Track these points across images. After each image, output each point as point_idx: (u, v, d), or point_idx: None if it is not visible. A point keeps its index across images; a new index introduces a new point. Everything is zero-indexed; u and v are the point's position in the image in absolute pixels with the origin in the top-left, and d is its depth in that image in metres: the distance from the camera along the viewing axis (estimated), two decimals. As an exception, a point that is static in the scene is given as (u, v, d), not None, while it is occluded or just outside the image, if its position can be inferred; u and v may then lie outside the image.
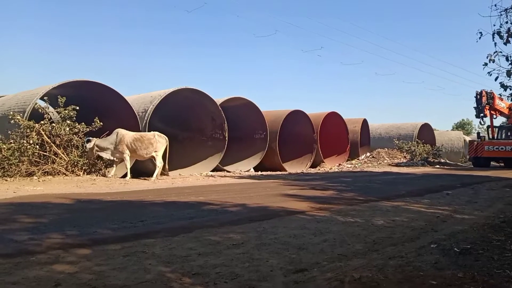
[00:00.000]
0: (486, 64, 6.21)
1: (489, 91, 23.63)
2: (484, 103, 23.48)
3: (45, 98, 12.09)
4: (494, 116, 25.17)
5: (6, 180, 10.34)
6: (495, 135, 24.66)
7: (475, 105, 23.84)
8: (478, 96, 23.66)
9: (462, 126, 54.73)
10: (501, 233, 4.85)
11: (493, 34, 6.01)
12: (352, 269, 3.34)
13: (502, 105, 24.64)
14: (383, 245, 4.22)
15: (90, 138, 12.00)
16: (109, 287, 2.81)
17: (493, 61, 6.12)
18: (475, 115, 24.12)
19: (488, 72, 6.23)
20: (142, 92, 16.10)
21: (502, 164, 26.09)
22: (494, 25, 6.04)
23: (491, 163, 24.99)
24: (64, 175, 11.51)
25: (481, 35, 6.27)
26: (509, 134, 24.87)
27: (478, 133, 25.68)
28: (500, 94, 6.53)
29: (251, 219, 5.58)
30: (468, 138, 32.67)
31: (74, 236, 4.41)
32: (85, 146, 11.96)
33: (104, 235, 4.47)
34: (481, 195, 9.23)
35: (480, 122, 24.69)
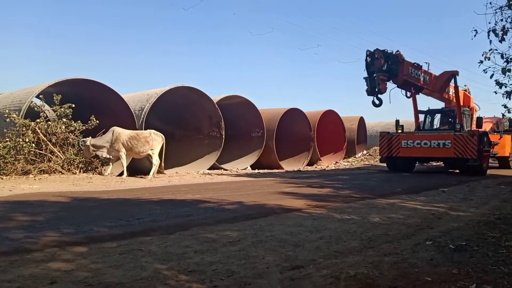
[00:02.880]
0: (481, 61, 6.24)
1: (394, 52, 14.51)
2: (377, 68, 14.02)
3: (41, 96, 12.04)
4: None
5: (2, 179, 10.30)
6: (423, 124, 17.04)
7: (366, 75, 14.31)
8: (369, 59, 14.15)
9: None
10: (496, 230, 4.88)
11: (488, 32, 6.04)
12: (347, 266, 3.35)
13: (421, 77, 15.53)
14: (379, 242, 4.24)
15: (85, 139, 11.95)
16: (105, 285, 2.81)
17: (489, 59, 6.15)
18: (366, 91, 14.31)
19: (484, 70, 6.26)
20: (138, 90, 16.07)
21: (437, 164, 19.97)
22: (489, 23, 6.06)
23: (416, 164, 17.40)
24: (60, 173, 11.48)
25: (476, 33, 6.30)
26: (444, 121, 16.88)
27: (397, 121, 16.43)
28: (495, 92, 6.30)
29: (247, 216, 5.59)
30: None
31: (70, 234, 4.40)
32: (82, 146, 11.93)
33: (100, 233, 4.47)
34: (477, 193, 9.28)
35: (373, 103, 14.36)
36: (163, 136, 12.85)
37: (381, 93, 14.24)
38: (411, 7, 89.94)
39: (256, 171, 17.07)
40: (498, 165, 20.25)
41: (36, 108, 12.17)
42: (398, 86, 15.18)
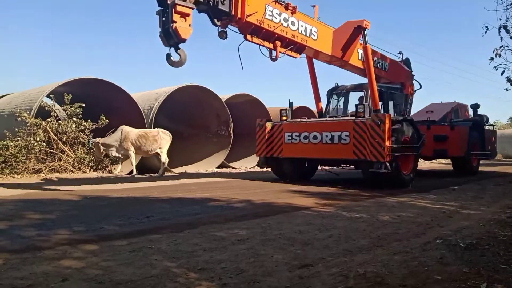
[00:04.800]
0: (492, 58, 6.18)
1: None
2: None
3: (51, 95, 12.18)
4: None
5: (14, 177, 10.44)
6: (326, 108, 11.65)
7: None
8: None
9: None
10: (507, 228, 4.84)
11: (499, 28, 5.96)
12: (357, 264, 3.34)
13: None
14: (388, 240, 4.22)
15: (94, 139, 12.05)
16: (115, 282, 2.83)
17: (499, 56, 6.08)
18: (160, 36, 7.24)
19: (495, 67, 6.20)
20: (147, 90, 16.16)
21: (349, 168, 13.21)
22: (500, 19, 5.98)
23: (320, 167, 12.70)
24: (70, 172, 11.59)
25: (487, 29, 6.23)
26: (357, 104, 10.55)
27: (290, 104, 11.38)
28: (506, 89, 6.06)
29: (256, 215, 5.60)
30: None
31: (81, 232, 4.45)
32: (92, 146, 12.03)
33: (111, 231, 4.51)
34: (488, 191, 9.19)
35: (168, 58, 7.22)
36: (171, 135, 12.90)
37: (180, 41, 7.12)
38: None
39: (265, 169, 17.06)
40: (452, 168, 15.25)
41: (46, 108, 12.31)
42: (248, 38, 8.35)
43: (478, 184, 10.78)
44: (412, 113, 12.78)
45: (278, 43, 8.70)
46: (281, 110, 10.98)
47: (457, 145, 13.42)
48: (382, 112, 9.99)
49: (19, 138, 11.27)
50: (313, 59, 11.02)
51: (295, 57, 9.38)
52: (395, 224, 5.10)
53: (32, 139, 11.24)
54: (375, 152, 8.77)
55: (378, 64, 10.97)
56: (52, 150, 11.86)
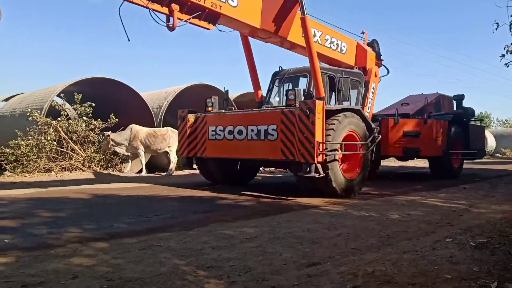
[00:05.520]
0: (503, 55, 6.12)
1: None
2: None
3: (61, 95, 12.30)
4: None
5: (25, 176, 10.57)
6: (268, 96, 9.54)
7: None
8: None
9: (480, 119, 53.70)
10: (519, 227, 4.78)
11: (510, 24, 5.89)
12: (365, 263, 3.33)
13: None
14: (398, 239, 4.20)
15: (106, 132, 12.17)
16: (125, 280, 2.86)
17: (511, 52, 6.01)
18: None
19: (506, 64, 6.13)
20: (156, 89, 16.24)
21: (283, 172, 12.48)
22: (511, 16, 5.91)
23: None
24: (81, 171, 11.71)
25: (498, 26, 6.16)
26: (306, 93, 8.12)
27: (226, 92, 9.51)
28: None
29: (264, 213, 5.61)
30: (486, 132, 31.76)
31: (91, 230, 4.49)
32: (101, 138, 12.16)
33: (121, 229, 4.55)
34: (499, 189, 9.09)
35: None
36: (180, 134, 12.95)
37: None
38: None
39: (273, 168, 17.05)
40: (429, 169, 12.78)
41: (57, 107, 12.44)
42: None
43: (488, 182, 10.66)
44: (386, 105, 11.79)
45: (175, 6, 6.44)
46: (206, 99, 8.98)
47: (431, 142, 11.13)
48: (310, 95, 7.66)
49: (30, 137, 11.40)
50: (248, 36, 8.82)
51: (208, 29, 7.10)
52: (405, 222, 5.07)
53: (43, 138, 11.37)
54: (303, 150, 6.80)
55: (332, 45, 9.25)
56: (62, 149, 11.99)
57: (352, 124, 7.72)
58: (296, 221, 5.06)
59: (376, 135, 8.32)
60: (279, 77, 9.33)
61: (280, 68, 9.44)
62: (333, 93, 8.80)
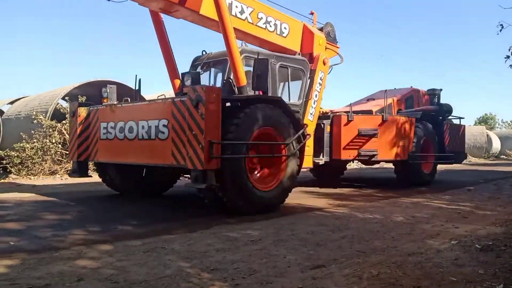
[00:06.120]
0: (508, 56, 6.09)
1: None
2: None
3: (66, 98, 12.35)
4: None
5: (30, 179, 10.63)
6: (182, 84, 6.51)
7: None
8: None
9: (485, 120, 53.46)
10: (525, 229, 4.75)
11: (515, 25, 5.87)
12: (370, 265, 3.32)
13: None
14: (402, 241, 4.18)
15: None
16: (130, 282, 2.87)
17: (516, 54, 5.99)
18: None
19: (511, 65, 6.11)
20: (162, 91, 16.21)
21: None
22: None
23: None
24: (85, 173, 11.74)
25: (502, 27, 6.14)
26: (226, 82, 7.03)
27: (138, 81, 7.57)
28: None
29: (268, 215, 5.60)
30: (491, 133, 31.66)
31: (96, 232, 4.51)
32: None
33: (125, 232, 4.57)
34: (504, 191, 9.05)
35: None
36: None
37: None
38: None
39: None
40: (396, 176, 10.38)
41: (62, 110, 12.49)
42: None
43: (494, 184, 10.61)
44: (352, 100, 10.04)
45: None
46: (103, 88, 7.42)
47: (393, 144, 9.29)
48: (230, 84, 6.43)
49: (35, 140, 11.47)
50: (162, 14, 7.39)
51: None
52: (409, 225, 5.06)
53: (48, 141, 11.43)
54: (191, 153, 5.27)
55: (269, 26, 7.68)
56: (67, 152, 12.03)
57: (269, 119, 6.03)
58: (300, 224, 5.06)
59: (306, 133, 6.87)
60: (199, 62, 7.75)
61: (204, 53, 7.83)
62: (271, 84, 7.18)
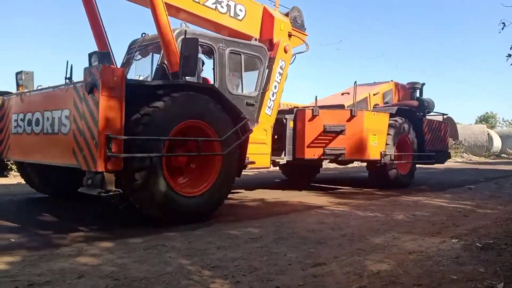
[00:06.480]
0: (510, 55, 6.08)
1: None
2: None
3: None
4: None
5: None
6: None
7: None
8: None
9: (485, 119, 53.44)
10: (525, 228, 4.75)
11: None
12: (371, 263, 3.32)
13: None
14: (403, 239, 4.18)
15: None
16: (130, 279, 2.87)
17: (518, 52, 5.97)
18: None
19: (512, 64, 6.09)
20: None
21: None
22: None
23: None
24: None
25: (504, 25, 6.13)
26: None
27: (70, 66, 5.99)
28: None
29: (269, 213, 5.61)
30: (492, 132, 31.62)
31: (97, 229, 4.50)
32: None
33: (126, 229, 4.56)
34: (505, 190, 9.05)
35: None
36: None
37: None
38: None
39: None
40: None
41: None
42: None
43: (495, 183, 10.60)
44: (327, 94, 9.06)
45: None
46: (16, 73, 6.32)
47: (361, 141, 8.35)
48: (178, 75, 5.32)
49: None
50: None
51: None
52: (410, 223, 5.06)
53: None
54: (85, 150, 4.28)
55: (219, 6, 6.76)
56: None
57: (194, 109, 5.03)
58: (301, 222, 5.06)
59: (247, 128, 5.76)
60: (134, 46, 6.82)
61: (143, 35, 6.88)
62: (213, 73, 6.39)
